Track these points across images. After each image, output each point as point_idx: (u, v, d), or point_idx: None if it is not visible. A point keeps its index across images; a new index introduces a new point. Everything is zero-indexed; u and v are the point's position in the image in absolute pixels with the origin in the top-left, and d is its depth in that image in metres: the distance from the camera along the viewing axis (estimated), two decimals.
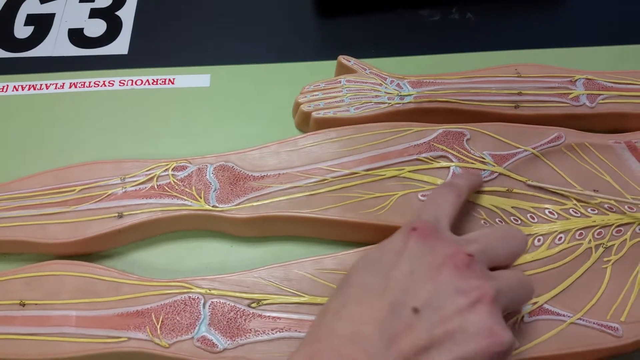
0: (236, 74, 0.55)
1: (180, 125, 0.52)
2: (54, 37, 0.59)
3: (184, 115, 0.52)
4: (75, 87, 0.54)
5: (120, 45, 0.58)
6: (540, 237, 0.43)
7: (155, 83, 0.54)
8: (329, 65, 0.53)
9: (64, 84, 0.54)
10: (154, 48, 0.58)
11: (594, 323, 0.39)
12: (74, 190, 0.45)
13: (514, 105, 0.48)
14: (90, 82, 0.54)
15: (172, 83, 0.54)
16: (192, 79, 0.54)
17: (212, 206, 0.44)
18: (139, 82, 0.54)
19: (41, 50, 0.57)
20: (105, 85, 0.54)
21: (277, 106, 0.52)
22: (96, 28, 0.59)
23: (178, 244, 0.46)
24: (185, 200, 0.44)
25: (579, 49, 0.56)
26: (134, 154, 0.49)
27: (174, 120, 0.52)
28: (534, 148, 0.46)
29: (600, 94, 0.49)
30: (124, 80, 0.54)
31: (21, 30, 0.59)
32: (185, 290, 0.41)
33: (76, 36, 0.59)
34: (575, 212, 0.44)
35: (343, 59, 0.52)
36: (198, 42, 0.58)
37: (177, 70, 0.55)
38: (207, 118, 0.52)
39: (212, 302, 0.40)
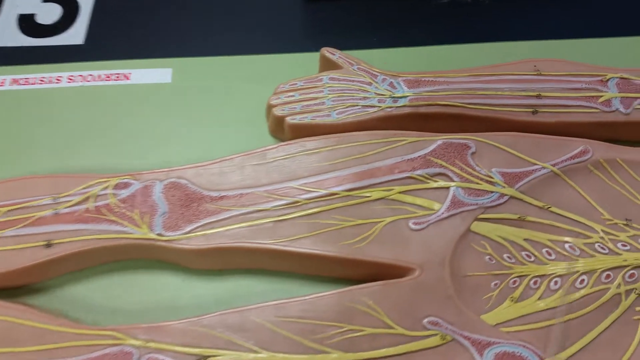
0: (202, 68, 0.49)
1: (133, 130, 0.45)
2: (2, 25, 0.52)
3: (138, 118, 0.46)
4: (18, 84, 0.47)
5: (76, 34, 0.51)
6: (558, 279, 0.37)
7: (108, 79, 0.47)
8: (316, 58, 0.47)
9: (4, 80, 0.47)
10: (114, 37, 0.51)
11: None
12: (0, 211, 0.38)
13: (531, 110, 0.43)
14: (34, 79, 0.47)
15: (127, 79, 0.47)
16: (150, 74, 0.48)
17: (157, 234, 0.37)
18: (89, 78, 0.47)
19: None
20: (51, 82, 0.47)
21: (251, 108, 0.46)
22: (50, 13, 0.53)
23: (121, 275, 0.39)
24: (125, 226, 0.38)
25: (612, 40, 0.50)
26: (75, 166, 0.43)
27: (126, 124, 0.46)
28: (553, 165, 0.40)
29: (637, 98, 0.43)
30: (73, 76, 0.48)
31: None
32: (117, 342, 0.34)
33: (26, 23, 0.52)
34: (602, 248, 0.38)
35: (327, 51, 0.46)
36: (159, 29, 0.51)
37: (133, 63, 0.48)
38: (165, 121, 0.46)
39: (148, 358, 0.33)
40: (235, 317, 0.35)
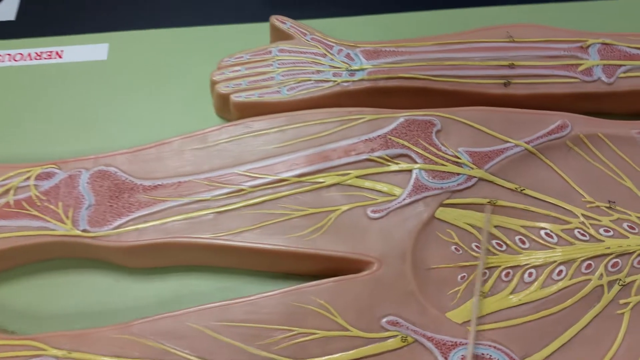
0: (141, 43, 0.46)
1: (63, 113, 0.43)
2: None
3: (69, 100, 0.43)
4: None
5: (7, 10, 0.48)
6: (532, 271, 0.35)
7: (38, 58, 0.44)
8: (267, 29, 0.44)
9: None
10: (49, 12, 0.48)
11: None
12: None
13: (503, 81, 0.41)
14: None
15: (60, 57, 0.44)
16: (84, 51, 0.45)
17: (82, 230, 0.34)
18: (18, 57, 0.44)
19: None
20: None
21: (195, 86, 0.44)
22: None
23: (47, 277, 0.36)
24: (48, 222, 0.34)
25: (594, 3, 0.48)
26: None
27: (54, 106, 0.43)
28: (528, 142, 0.38)
29: (621, 65, 0.42)
30: (0, 55, 0.43)
31: None
32: (37, 352, 0.31)
33: None
34: (583, 234, 0.36)
35: (276, 20, 0.43)
36: (94, 1, 0.48)
37: (66, 39, 0.45)
38: (100, 103, 0.43)
39: None
40: (169, 323, 0.32)
